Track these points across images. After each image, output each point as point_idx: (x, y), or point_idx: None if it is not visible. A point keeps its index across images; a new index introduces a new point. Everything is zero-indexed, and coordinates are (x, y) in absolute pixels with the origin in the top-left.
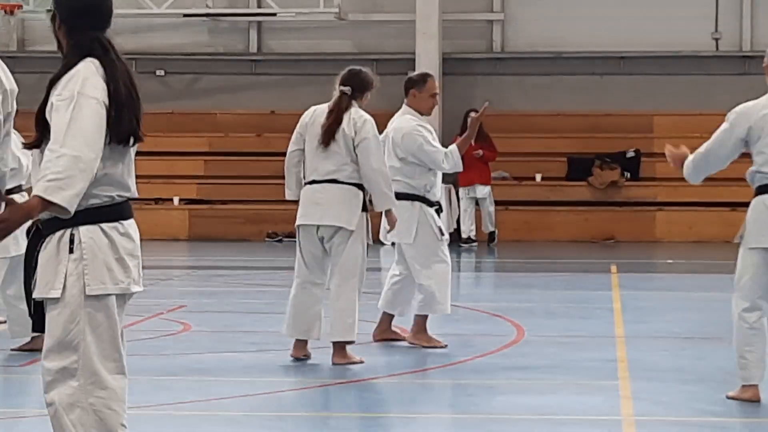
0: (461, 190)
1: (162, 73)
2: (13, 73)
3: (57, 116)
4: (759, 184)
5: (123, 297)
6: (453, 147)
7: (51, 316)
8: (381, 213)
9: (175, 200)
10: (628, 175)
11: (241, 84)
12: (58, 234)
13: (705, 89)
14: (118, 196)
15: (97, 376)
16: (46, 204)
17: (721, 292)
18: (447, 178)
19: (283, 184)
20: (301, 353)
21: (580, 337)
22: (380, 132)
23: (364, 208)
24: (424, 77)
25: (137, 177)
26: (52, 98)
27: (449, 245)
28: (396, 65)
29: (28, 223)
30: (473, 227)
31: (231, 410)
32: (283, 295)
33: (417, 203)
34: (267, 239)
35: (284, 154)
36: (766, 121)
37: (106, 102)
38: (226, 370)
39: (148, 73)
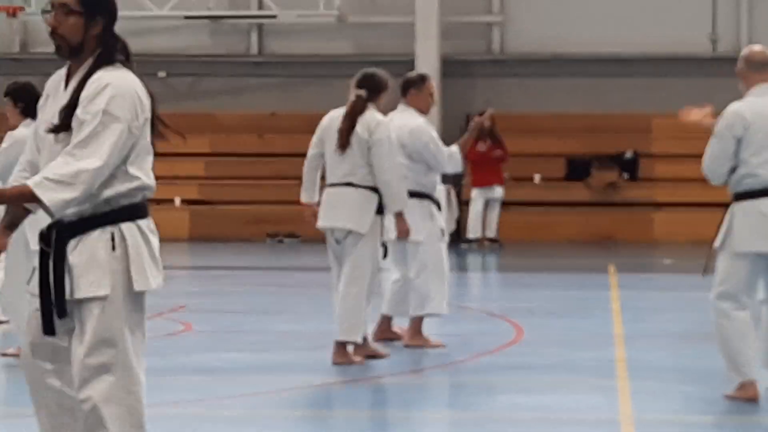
0: (476, 191)
1: (163, 74)
2: (15, 75)
3: (80, 130)
4: (748, 188)
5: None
6: (455, 148)
7: (92, 314)
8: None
9: (177, 201)
10: (627, 175)
11: (242, 85)
12: (95, 233)
13: (703, 91)
14: (147, 194)
15: (132, 371)
16: (32, 197)
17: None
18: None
19: (283, 185)
20: (362, 353)
21: (579, 336)
22: None
23: (380, 211)
24: (423, 77)
25: None
26: (79, 111)
27: (449, 245)
28: (395, 67)
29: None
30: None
31: (231, 410)
32: (285, 295)
33: (426, 201)
34: (268, 239)
35: (285, 155)
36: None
37: (136, 116)
38: (227, 370)
39: (150, 74)
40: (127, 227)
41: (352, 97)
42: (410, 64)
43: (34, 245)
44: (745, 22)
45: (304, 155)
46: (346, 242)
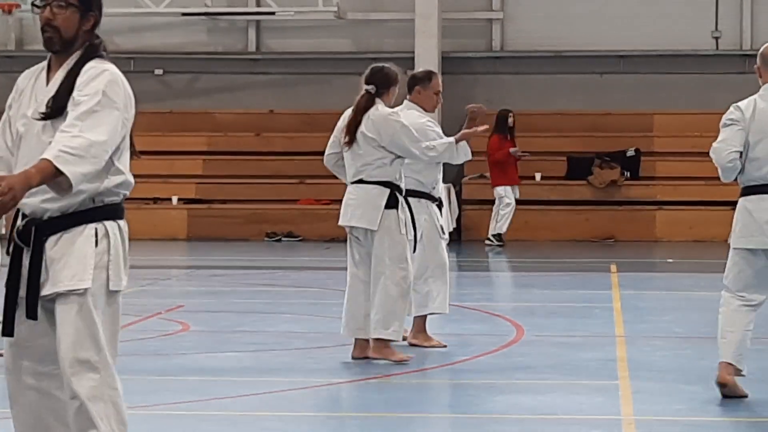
0: (505, 189)
1: (160, 72)
2: (11, 72)
3: (78, 108)
4: (742, 186)
5: None
6: (461, 142)
7: (71, 309)
8: None
9: (174, 200)
10: (628, 174)
11: (239, 83)
12: (77, 229)
13: (705, 88)
14: (127, 193)
15: (111, 370)
16: (54, 173)
17: (722, 291)
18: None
19: (282, 184)
20: (362, 353)
21: (580, 336)
22: None
23: (393, 205)
24: (429, 75)
25: (135, 176)
26: (75, 94)
27: (449, 245)
28: (395, 64)
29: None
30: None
31: (230, 410)
32: (283, 295)
33: (424, 201)
34: (266, 239)
35: (283, 154)
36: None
37: (126, 108)
38: (225, 370)
39: (147, 72)
40: (110, 225)
41: (360, 93)
42: (410, 61)
43: None
44: (748, 19)
45: (302, 154)
46: (367, 240)
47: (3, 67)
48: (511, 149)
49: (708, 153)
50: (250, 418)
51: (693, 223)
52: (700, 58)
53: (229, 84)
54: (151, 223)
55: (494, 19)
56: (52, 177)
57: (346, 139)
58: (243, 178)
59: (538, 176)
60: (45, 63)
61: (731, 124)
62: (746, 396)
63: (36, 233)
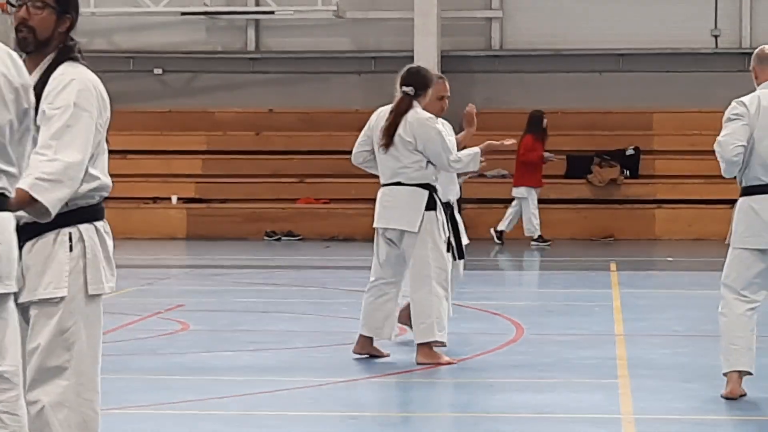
0: (528, 190)
1: (160, 71)
2: None
3: (50, 124)
4: (745, 185)
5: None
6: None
7: (48, 316)
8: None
9: (173, 199)
10: (628, 172)
11: (239, 82)
12: (50, 235)
13: (704, 86)
14: (104, 194)
15: (87, 377)
16: (30, 201)
17: (721, 292)
18: None
19: (282, 183)
20: (363, 350)
21: (580, 335)
22: None
23: (432, 207)
24: (435, 78)
25: (134, 176)
26: (44, 106)
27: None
28: (394, 63)
29: None
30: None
31: (229, 409)
32: (282, 294)
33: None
34: (265, 238)
35: (282, 153)
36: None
37: (100, 113)
38: (224, 369)
39: (146, 71)
40: (84, 228)
41: (397, 95)
42: (409, 60)
43: None
44: (747, 18)
45: (302, 153)
46: (404, 243)
47: None
48: (546, 154)
49: (707, 151)
50: (249, 417)
51: (692, 221)
52: (699, 56)
53: (229, 83)
54: (151, 222)
55: (493, 18)
56: (29, 204)
57: (383, 141)
58: (242, 177)
59: None
60: None
61: (736, 119)
62: (745, 395)
63: None
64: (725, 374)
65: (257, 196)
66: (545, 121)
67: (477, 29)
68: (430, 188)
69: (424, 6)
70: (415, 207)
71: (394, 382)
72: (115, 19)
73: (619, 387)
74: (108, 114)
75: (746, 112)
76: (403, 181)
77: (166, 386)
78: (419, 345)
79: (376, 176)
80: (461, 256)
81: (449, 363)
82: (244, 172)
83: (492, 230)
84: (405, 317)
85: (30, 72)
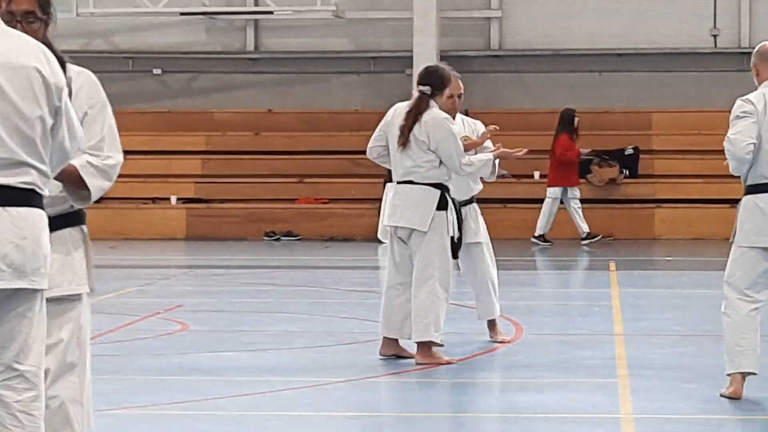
0: (571, 191)
1: (159, 71)
2: None
3: (96, 124)
4: (750, 183)
5: None
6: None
7: (68, 311)
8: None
9: (173, 199)
10: (627, 172)
11: (238, 82)
12: (66, 231)
13: (704, 86)
14: None
15: (88, 372)
16: (77, 180)
17: (721, 289)
18: None
19: (281, 183)
20: (390, 351)
21: (580, 335)
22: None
23: (443, 207)
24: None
25: (133, 176)
26: (85, 106)
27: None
28: (393, 63)
29: None
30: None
31: (228, 410)
32: (281, 295)
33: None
34: (265, 238)
35: (281, 153)
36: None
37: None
38: (224, 369)
39: (145, 71)
40: (85, 229)
41: (415, 94)
42: (408, 60)
43: None
44: (747, 17)
45: (301, 153)
46: (412, 241)
47: None
48: (583, 150)
49: (707, 151)
50: (249, 418)
51: (692, 221)
52: (698, 56)
53: (228, 83)
54: (150, 222)
55: (492, 18)
56: (76, 183)
57: (401, 140)
58: (241, 178)
59: (536, 175)
60: None
61: (744, 117)
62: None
63: None
64: (729, 375)
65: (257, 197)
66: (577, 119)
67: (476, 29)
68: (443, 188)
69: (423, 6)
70: (426, 206)
71: (394, 382)
72: (115, 20)
73: (619, 387)
74: None
75: (754, 109)
76: (415, 179)
77: (166, 387)
78: (419, 345)
79: (376, 176)
80: (455, 256)
81: (449, 363)
82: (244, 172)
83: (532, 239)
84: None
85: None
